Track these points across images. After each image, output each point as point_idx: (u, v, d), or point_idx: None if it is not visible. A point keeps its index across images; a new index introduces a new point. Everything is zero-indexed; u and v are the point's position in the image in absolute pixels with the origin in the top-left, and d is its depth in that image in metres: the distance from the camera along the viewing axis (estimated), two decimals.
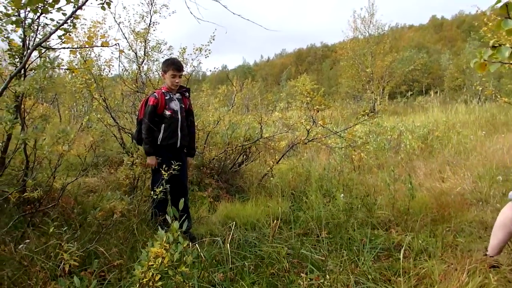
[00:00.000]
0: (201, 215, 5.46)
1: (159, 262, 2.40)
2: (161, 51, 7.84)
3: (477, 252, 3.66)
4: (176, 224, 2.45)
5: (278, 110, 10.54)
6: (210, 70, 8.93)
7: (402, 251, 3.26)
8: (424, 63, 48.37)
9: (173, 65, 4.75)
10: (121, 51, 4.40)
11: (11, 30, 3.40)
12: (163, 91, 4.80)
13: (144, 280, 2.41)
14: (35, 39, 3.55)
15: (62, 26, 3.12)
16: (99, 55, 7.72)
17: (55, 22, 3.24)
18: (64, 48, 3.25)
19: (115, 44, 3.76)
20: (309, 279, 3.21)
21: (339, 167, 7.94)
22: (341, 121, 17.15)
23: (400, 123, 13.56)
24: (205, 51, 7.59)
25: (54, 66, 3.40)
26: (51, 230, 3.07)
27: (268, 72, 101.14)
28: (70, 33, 3.14)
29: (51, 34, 3.09)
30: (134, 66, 7.70)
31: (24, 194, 3.72)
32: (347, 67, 35.97)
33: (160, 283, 2.47)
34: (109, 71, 7.62)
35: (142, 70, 7.50)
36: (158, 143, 4.73)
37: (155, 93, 4.79)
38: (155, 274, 2.41)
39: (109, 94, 7.20)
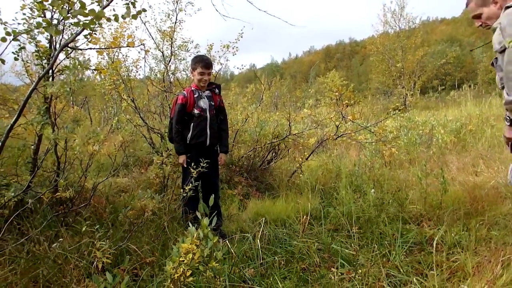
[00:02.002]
0: (231, 212, 5.46)
1: (190, 257, 2.40)
2: (188, 49, 7.84)
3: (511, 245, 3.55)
4: (206, 220, 2.45)
5: (307, 106, 10.44)
6: (238, 68, 8.91)
7: (434, 244, 3.19)
8: (457, 57, 47.33)
9: (202, 62, 4.67)
10: (147, 51, 4.41)
11: (38, 32, 3.45)
12: (192, 89, 4.76)
13: (176, 275, 2.41)
14: (61, 40, 3.60)
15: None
16: (126, 56, 7.80)
17: (81, 23, 3.27)
18: (90, 48, 3.30)
19: (141, 44, 3.77)
20: (340, 274, 3.19)
21: (369, 163, 7.83)
22: (372, 117, 16.93)
23: (432, 118, 13.32)
24: (233, 48, 7.56)
25: (83, 67, 3.46)
26: (83, 229, 3.12)
27: (296, 70, 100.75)
28: (96, 33, 3.18)
29: (77, 34, 3.13)
30: (162, 66, 7.74)
31: (56, 194, 3.78)
32: (377, 62, 35.57)
33: (191, 278, 2.48)
34: (137, 72, 7.68)
35: (170, 70, 7.54)
36: (187, 142, 4.73)
37: (184, 91, 4.76)
38: (186, 270, 2.42)
39: (138, 96, 7.28)
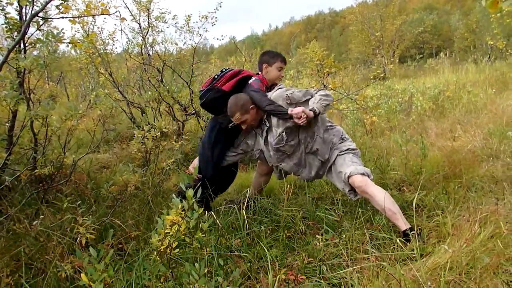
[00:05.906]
0: None
1: (175, 229, 2.36)
2: (166, 21, 7.62)
3: (488, 204, 3.61)
4: (190, 192, 2.39)
5: (288, 77, 10.36)
6: (218, 39, 8.71)
7: (414, 206, 3.21)
8: (434, 25, 47.49)
9: (280, 57, 4.24)
10: (122, 19, 4.24)
11: (6, 3, 3.31)
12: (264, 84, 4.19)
13: (162, 247, 2.37)
14: (32, 10, 3.45)
15: None
16: (102, 28, 7.62)
17: None
18: (62, 17, 3.17)
19: (116, 11, 3.64)
20: (325, 240, 3.22)
21: (351, 132, 7.85)
22: (352, 86, 16.96)
23: (411, 85, 13.39)
24: (212, 19, 7.39)
25: (56, 40, 3.32)
26: (65, 205, 3.06)
27: (277, 41, 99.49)
28: (68, 2, 3.05)
29: (47, 3, 3.01)
30: (139, 39, 7.55)
31: (35, 172, 3.69)
32: (357, 32, 35.53)
33: (177, 250, 2.45)
34: (113, 45, 7.51)
35: (147, 42, 7.36)
36: None
37: (261, 80, 4.15)
38: (172, 242, 2.38)
39: (116, 70, 7.12)
